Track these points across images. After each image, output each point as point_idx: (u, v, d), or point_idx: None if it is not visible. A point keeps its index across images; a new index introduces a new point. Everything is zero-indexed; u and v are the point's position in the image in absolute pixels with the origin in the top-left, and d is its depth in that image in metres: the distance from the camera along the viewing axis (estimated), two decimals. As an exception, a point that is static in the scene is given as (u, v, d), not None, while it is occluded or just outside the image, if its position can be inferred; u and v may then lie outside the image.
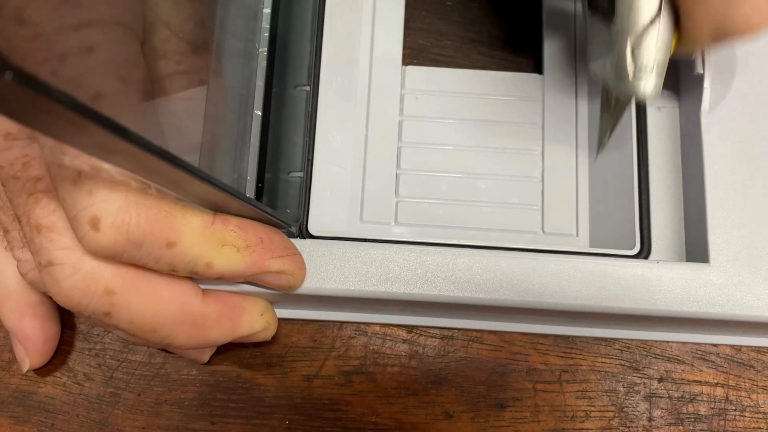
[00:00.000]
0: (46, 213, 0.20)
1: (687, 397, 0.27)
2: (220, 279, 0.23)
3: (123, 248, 0.20)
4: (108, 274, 0.21)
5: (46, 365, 0.27)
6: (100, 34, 0.21)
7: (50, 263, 0.20)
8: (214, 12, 0.27)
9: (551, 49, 0.30)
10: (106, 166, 0.19)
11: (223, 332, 0.24)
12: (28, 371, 0.27)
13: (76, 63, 0.20)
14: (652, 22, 0.22)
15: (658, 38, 0.22)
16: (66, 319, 0.28)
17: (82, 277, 0.20)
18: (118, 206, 0.19)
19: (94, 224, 0.19)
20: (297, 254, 0.24)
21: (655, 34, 0.22)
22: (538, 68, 0.31)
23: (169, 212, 0.20)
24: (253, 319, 0.25)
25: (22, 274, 0.23)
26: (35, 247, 0.20)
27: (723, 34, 0.22)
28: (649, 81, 0.22)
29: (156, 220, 0.20)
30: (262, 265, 0.23)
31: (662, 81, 0.22)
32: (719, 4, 0.21)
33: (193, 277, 0.22)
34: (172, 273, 0.22)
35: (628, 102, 0.23)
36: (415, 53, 0.32)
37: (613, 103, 0.26)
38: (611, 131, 0.27)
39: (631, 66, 0.22)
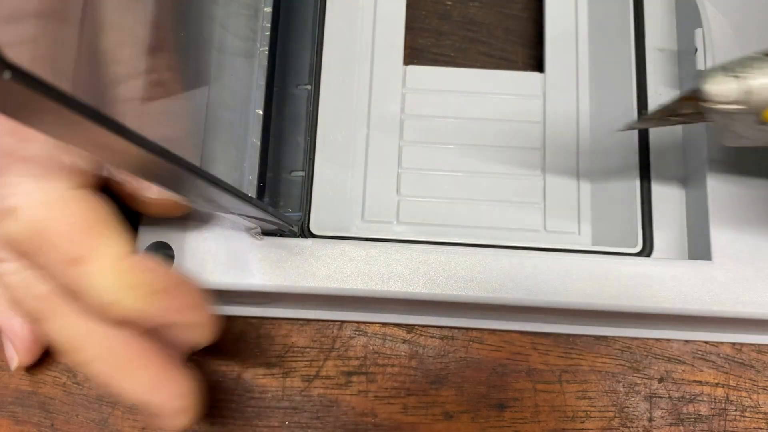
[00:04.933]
0: None
1: (687, 397, 0.27)
2: (125, 322, 0.21)
3: (28, 244, 0.20)
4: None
5: (36, 364, 0.27)
6: (35, 27, 0.20)
7: None
8: (170, 11, 0.25)
9: (552, 48, 0.30)
10: (66, 160, 0.19)
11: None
12: (17, 369, 0.27)
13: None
14: None
15: None
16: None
17: None
18: (41, 202, 0.20)
19: (12, 212, 0.20)
20: (208, 308, 0.22)
21: None
22: (538, 67, 0.31)
23: (91, 227, 0.20)
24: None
25: None
26: None
27: None
28: None
29: (73, 230, 0.20)
30: (171, 314, 0.21)
31: None
32: None
33: (101, 315, 0.21)
34: (79, 299, 0.21)
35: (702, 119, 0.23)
36: (415, 53, 0.32)
37: (680, 117, 0.24)
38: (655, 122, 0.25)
39: None
